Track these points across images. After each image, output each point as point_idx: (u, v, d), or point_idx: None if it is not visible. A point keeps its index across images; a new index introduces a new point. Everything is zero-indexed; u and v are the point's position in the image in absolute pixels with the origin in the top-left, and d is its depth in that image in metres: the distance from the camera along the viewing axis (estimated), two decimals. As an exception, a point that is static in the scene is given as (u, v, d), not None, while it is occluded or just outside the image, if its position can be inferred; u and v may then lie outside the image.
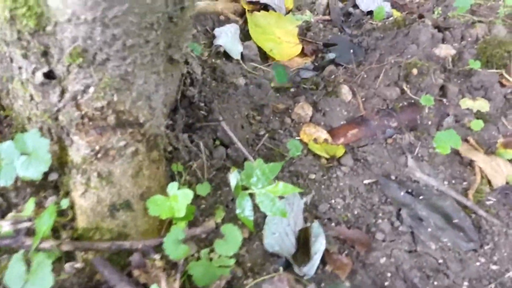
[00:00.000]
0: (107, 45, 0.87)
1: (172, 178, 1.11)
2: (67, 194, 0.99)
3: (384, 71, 1.46)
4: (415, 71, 1.40)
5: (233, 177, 1.01)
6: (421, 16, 1.70)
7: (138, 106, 0.98)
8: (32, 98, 0.98)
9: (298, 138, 1.34)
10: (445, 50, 1.50)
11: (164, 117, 1.10)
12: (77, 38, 0.86)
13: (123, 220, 0.94)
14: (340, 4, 2.00)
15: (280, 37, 1.79)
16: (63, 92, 0.93)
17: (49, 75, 0.93)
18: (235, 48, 1.71)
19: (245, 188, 0.99)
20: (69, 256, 0.90)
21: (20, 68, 0.96)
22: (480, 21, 1.69)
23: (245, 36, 1.80)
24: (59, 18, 0.85)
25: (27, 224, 0.93)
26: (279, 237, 1.03)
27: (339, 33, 1.82)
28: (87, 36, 0.86)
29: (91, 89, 0.91)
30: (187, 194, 0.94)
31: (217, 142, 1.21)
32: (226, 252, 0.90)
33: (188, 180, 1.11)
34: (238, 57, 1.69)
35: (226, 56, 1.69)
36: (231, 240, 0.91)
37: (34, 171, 0.94)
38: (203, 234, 0.98)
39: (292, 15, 1.93)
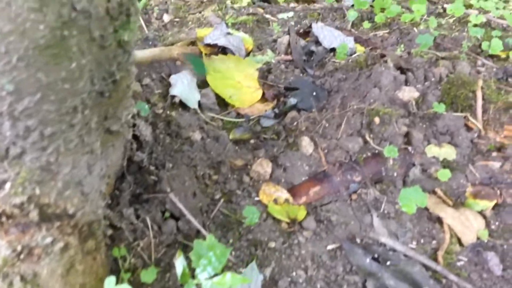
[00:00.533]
0: (20, 138, 0.78)
1: (115, 262, 1.01)
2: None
3: (346, 119, 1.40)
4: (377, 119, 1.34)
5: (179, 264, 0.91)
6: (383, 56, 1.65)
7: (66, 196, 0.88)
8: None
9: (257, 198, 1.25)
10: (409, 93, 1.44)
11: (103, 197, 1.00)
12: None
13: (53, 327, 0.83)
14: (302, 42, 1.94)
15: (240, 82, 1.72)
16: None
17: None
18: (192, 97, 1.63)
19: (192, 274, 0.90)
20: None
21: None
22: (443, 58, 1.64)
23: (203, 82, 1.72)
24: None
25: None
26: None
27: (301, 75, 1.75)
28: None
29: (7, 185, 0.81)
30: (125, 291, 0.85)
31: (167, 215, 1.12)
32: None
33: (134, 264, 1.01)
34: (196, 106, 1.61)
35: (183, 106, 1.61)
36: None
37: None
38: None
39: (253, 56, 1.87)
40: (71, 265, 0.88)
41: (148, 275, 0.97)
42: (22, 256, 0.84)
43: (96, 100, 0.90)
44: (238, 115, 1.64)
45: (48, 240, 0.85)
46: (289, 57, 1.87)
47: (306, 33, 2.06)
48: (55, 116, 0.81)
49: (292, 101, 1.61)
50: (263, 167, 1.31)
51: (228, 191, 1.27)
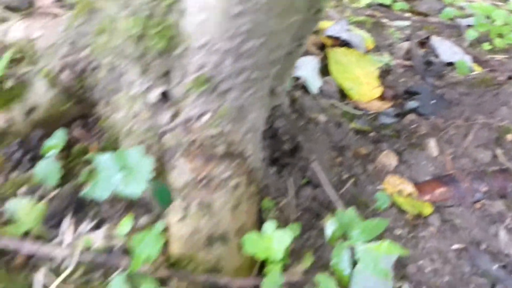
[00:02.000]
0: (233, 76, 0.86)
1: (259, 213, 1.07)
2: (158, 216, 0.97)
3: (474, 131, 1.41)
4: (509, 136, 1.34)
5: (330, 226, 0.96)
6: (510, 78, 1.65)
7: (247, 139, 0.95)
8: (137, 114, 0.97)
9: (380, 187, 1.29)
10: (539, 118, 1.44)
11: (262, 150, 1.07)
12: (204, 65, 0.85)
13: (218, 254, 0.90)
14: (420, 51, 1.96)
15: (360, 77, 1.76)
16: (176, 114, 0.92)
17: (164, 95, 0.92)
18: (314, 82, 1.68)
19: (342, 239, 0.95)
20: (162, 283, 0.86)
21: (131, 82, 0.95)
22: None
23: (322, 71, 1.77)
24: (191, 44, 0.84)
25: (121, 242, 0.90)
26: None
27: (420, 81, 1.78)
28: (216, 65, 0.84)
29: (207, 116, 0.89)
30: (285, 237, 0.91)
31: (304, 181, 1.17)
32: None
33: (276, 218, 1.07)
34: (317, 91, 1.66)
35: (304, 88, 1.67)
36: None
37: (133, 189, 0.92)
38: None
39: (372, 56, 1.90)
40: (239, 202, 0.95)
41: (293, 230, 1.03)
42: (202, 184, 0.92)
43: (284, 58, 0.97)
44: (355, 108, 1.68)
45: (226, 174, 0.93)
46: (407, 63, 1.90)
47: (422, 44, 2.08)
48: (264, 63, 0.88)
49: (412, 104, 1.63)
50: (389, 158, 1.34)
51: (352, 174, 1.31)
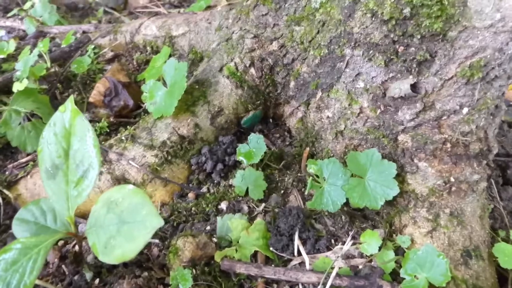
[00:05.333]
0: (506, 61, 0.72)
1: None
2: (390, 226, 0.84)
3: None
4: None
5: None
6: None
7: (495, 135, 0.82)
8: (358, 112, 0.84)
9: None
10: None
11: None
12: (483, 48, 0.70)
13: (475, 270, 0.77)
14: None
15: None
16: (424, 110, 0.78)
17: (413, 88, 0.79)
18: None
19: None
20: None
21: (357, 75, 0.82)
22: None
23: None
24: (473, 23, 0.69)
25: (363, 263, 0.78)
26: None
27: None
28: (499, 48, 0.70)
29: (465, 110, 0.76)
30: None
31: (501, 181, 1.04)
32: None
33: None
34: None
35: None
36: None
37: (373, 200, 0.80)
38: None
39: None
40: (484, 209, 0.82)
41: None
42: (452, 189, 0.79)
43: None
44: None
45: (476, 177, 0.79)
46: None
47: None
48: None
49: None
50: None
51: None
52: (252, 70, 0.94)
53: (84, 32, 1.40)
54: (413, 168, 0.81)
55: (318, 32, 0.86)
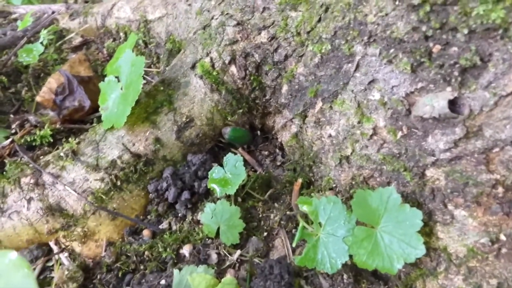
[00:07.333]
0: None
1: None
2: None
3: None
4: None
5: None
6: None
7: None
8: (374, 133, 0.60)
9: None
10: None
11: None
12: None
13: None
14: None
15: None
16: (465, 137, 0.54)
17: (452, 105, 0.54)
18: None
19: None
20: None
21: (371, 82, 0.58)
22: None
23: None
24: None
25: None
26: None
27: None
28: None
29: None
30: None
31: None
32: None
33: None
34: None
35: None
36: None
37: (391, 263, 0.57)
38: None
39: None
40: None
41: None
42: (501, 251, 0.55)
43: None
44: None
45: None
46: None
47: None
48: None
49: None
50: None
51: None
52: (233, 69, 0.71)
53: (53, 12, 1.18)
54: (446, 218, 0.57)
55: (319, 20, 0.62)
